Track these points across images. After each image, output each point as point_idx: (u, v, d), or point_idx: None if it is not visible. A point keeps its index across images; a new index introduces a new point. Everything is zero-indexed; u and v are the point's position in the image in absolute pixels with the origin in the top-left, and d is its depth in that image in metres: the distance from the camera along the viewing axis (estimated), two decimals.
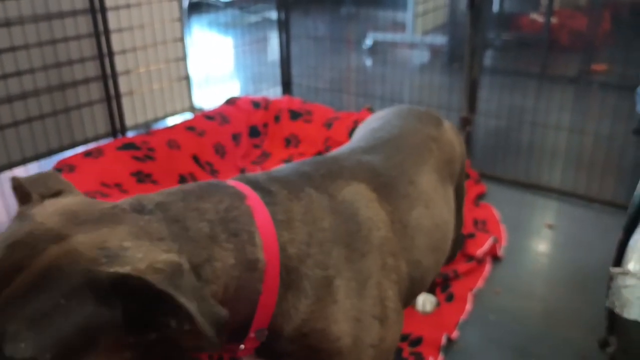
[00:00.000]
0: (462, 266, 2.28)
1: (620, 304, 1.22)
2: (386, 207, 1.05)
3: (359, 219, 0.99)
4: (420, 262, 1.12)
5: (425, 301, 2.00)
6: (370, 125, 1.39)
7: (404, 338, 1.90)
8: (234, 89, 4.72)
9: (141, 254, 0.68)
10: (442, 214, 1.23)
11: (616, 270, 1.26)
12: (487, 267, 2.31)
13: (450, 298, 2.11)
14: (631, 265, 1.24)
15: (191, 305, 0.64)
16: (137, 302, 0.65)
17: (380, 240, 1.01)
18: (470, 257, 2.35)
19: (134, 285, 0.64)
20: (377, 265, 0.99)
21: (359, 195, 1.01)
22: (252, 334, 0.85)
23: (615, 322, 1.27)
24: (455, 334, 1.93)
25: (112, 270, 0.64)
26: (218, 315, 0.68)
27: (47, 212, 0.71)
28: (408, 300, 1.13)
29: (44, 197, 0.76)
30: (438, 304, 2.00)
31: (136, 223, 0.73)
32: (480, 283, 2.21)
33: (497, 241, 2.43)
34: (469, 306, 2.07)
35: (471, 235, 2.44)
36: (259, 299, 0.83)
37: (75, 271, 0.63)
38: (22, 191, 0.77)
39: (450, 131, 1.48)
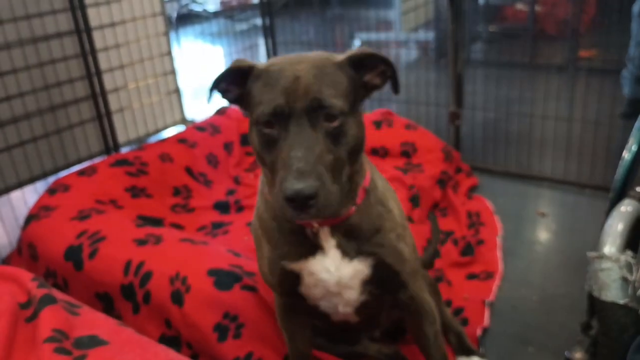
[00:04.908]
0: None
1: (598, 287, 1.25)
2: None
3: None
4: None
5: None
6: None
7: None
8: None
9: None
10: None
11: (592, 254, 1.29)
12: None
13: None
14: (606, 248, 1.26)
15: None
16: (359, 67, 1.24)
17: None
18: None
19: (357, 57, 1.23)
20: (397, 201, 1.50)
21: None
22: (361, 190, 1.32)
23: (594, 305, 1.29)
24: None
25: (346, 56, 1.24)
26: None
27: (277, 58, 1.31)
28: None
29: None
30: None
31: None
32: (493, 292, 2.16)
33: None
34: (486, 320, 2.00)
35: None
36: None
37: (330, 64, 1.21)
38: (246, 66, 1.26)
39: None
